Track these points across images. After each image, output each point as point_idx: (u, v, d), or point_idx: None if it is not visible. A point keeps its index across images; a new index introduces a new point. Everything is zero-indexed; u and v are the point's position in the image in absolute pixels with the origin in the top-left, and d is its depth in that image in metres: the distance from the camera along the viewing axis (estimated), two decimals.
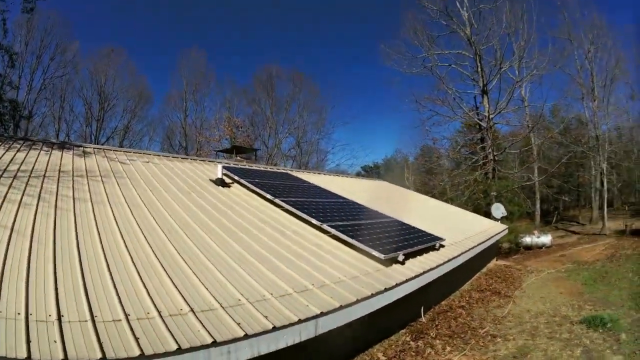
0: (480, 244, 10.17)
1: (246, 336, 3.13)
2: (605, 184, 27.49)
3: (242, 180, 8.80)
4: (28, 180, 5.79)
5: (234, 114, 36.80)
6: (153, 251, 4.37)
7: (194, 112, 38.15)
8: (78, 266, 3.60)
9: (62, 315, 2.82)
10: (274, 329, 3.37)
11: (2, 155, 6.69)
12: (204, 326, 3.08)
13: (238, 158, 14.37)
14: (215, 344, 2.92)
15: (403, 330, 6.58)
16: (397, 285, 5.36)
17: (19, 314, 2.71)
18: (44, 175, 6.21)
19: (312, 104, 40.77)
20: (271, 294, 3.99)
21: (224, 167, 9.22)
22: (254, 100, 39.67)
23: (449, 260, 7.43)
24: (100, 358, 2.46)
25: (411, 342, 6.10)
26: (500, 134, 28.39)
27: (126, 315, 3.00)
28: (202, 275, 4.06)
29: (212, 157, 20.32)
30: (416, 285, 5.99)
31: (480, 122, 26.58)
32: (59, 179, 6.20)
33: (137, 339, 2.72)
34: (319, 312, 3.88)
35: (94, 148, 9.28)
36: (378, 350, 5.75)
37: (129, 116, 36.01)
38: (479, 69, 26.49)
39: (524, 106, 28.41)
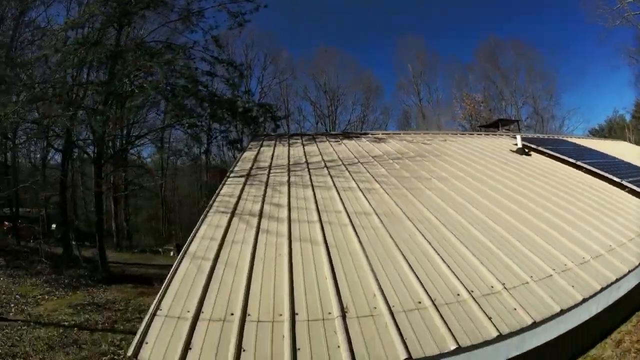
0: None
1: None
2: None
3: (539, 148, 9.09)
4: (346, 167, 6.50)
5: (467, 90, 35.27)
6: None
7: (427, 94, 37.57)
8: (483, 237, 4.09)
9: None
10: None
11: (303, 147, 7.67)
12: None
13: (504, 130, 14.09)
14: None
15: None
16: None
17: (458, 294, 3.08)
18: (359, 162, 6.93)
19: (539, 71, 36.43)
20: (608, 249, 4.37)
21: (522, 139, 9.56)
22: (482, 74, 36.77)
23: None
24: None
25: None
26: None
27: None
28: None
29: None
30: None
31: None
32: (379, 163, 6.86)
33: None
34: None
35: (382, 134, 10.17)
36: None
37: (361, 108, 36.05)
38: None
39: None
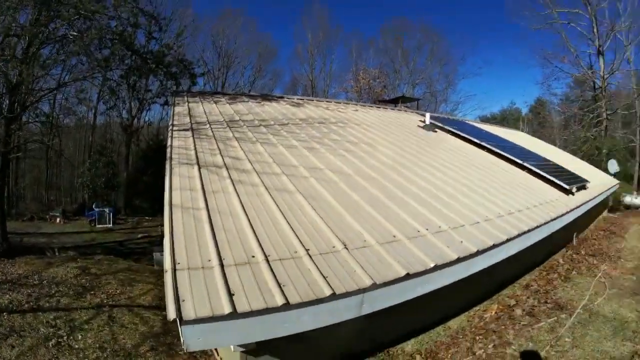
0: (606, 190, 11.63)
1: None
2: None
3: (445, 127, 10.20)
4: (280, 127, 7.09)
5: (365, 64, 36.97)
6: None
7: (321, 65, 39.63)
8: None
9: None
10: None
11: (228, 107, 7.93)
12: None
13: (404, 107, 15.41)
14: None
15: (563, 250, 8.44)
16: (577, 207, 7.36)
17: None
18: (289, 123, 7.58)
19: (441, 55, 41.23)
20: (518, 210, 5.84)
21: (430, 116, 10.79)
22: (383, 50, 40.64)
23: (596, 196, 9.26)
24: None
25: (573, 255, 8.00)
26: (610, 93, 28.35)
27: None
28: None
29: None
30: (584, 210, 7.92)
31: (595, 81, 27.40)
32: (308, 126, 7.66)
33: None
34: (554, 216, 6.08)
35: (297, 99, 10.74)
36: (558, 260, 7.61)
37: (252, 71, 36.91)
38: (595, 30, 26.84)
39: (630, 69, 26.99)
